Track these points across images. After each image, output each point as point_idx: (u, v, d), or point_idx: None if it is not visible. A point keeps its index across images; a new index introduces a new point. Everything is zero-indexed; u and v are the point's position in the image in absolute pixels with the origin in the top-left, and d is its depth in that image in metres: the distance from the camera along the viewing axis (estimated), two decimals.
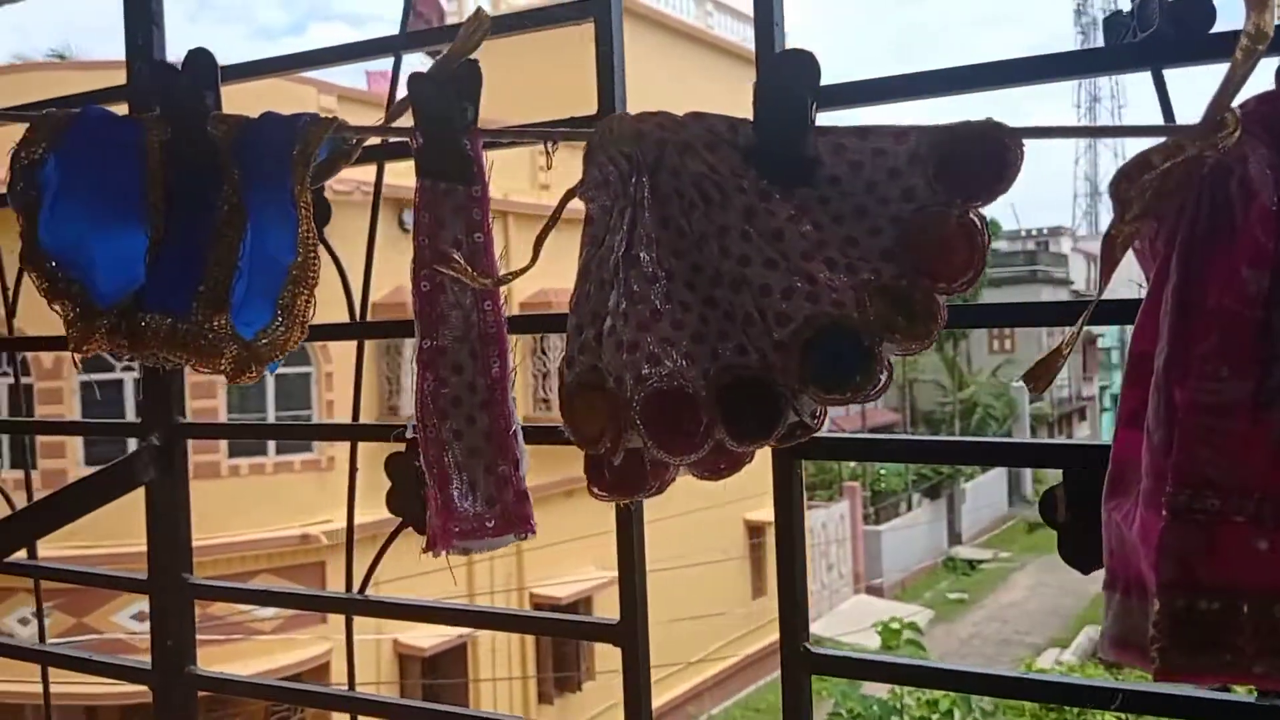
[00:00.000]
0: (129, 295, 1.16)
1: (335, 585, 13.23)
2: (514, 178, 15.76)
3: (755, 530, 21.25)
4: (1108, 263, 0.91)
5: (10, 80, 12.78)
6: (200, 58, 1.13)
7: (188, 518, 1.94)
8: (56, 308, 1.16)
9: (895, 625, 14.74)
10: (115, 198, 1.17)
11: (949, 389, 32.67)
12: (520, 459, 1.11)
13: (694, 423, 0.91)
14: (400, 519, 1.76)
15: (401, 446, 1.77)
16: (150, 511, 1.93)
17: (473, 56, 1.03)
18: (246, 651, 12.60)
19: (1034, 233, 41.83)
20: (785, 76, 0.93)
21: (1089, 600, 25.65)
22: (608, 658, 17.36)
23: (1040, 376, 0.96)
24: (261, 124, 1.12)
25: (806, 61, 0.94)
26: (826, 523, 25.67)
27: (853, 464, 30.31)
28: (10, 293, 2.06)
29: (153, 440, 1.92)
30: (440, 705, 1.60)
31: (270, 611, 13.11)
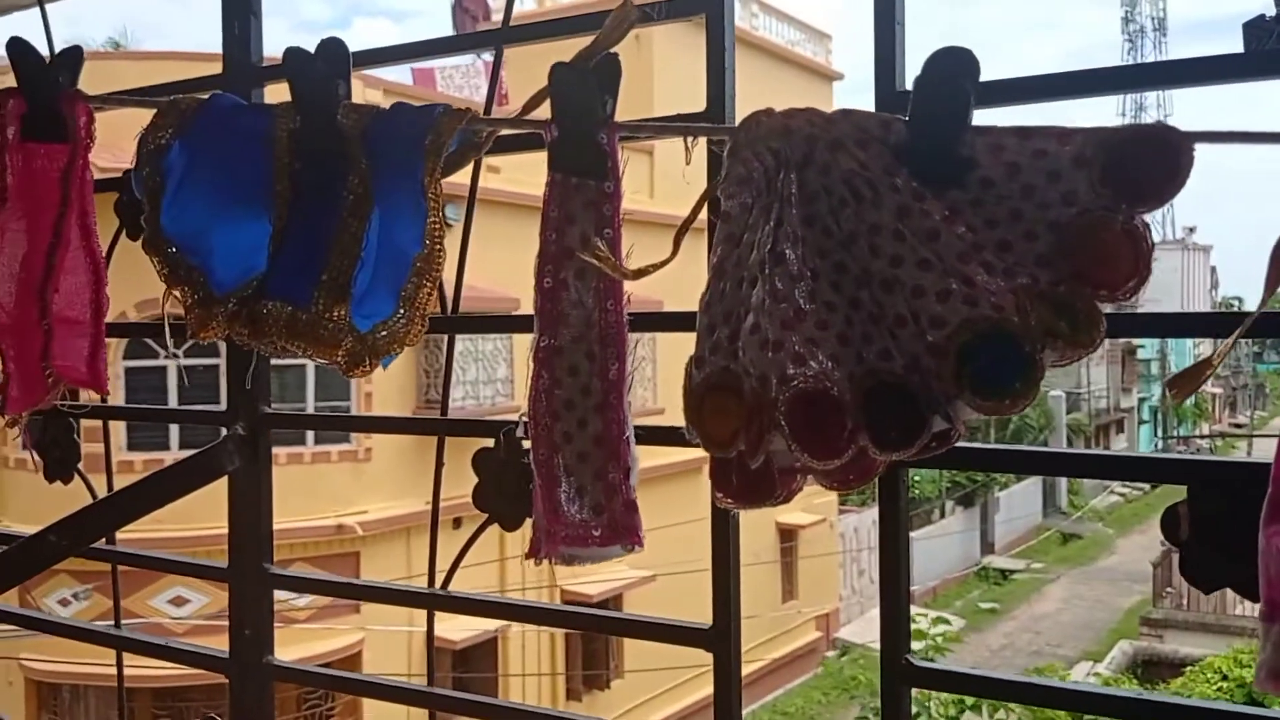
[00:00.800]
0: (248, 283, 1.15)
1: (369, 576, 13.32)
2: None
3: (786, 534, 21.16)
4: (1274, 275, 0.87)
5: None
6: (333, 47, 1.12)
7: (269, 507, 1.94)
8: (176, 293, 1.15)
9: (925, 626, 14.64)
10: (239, 185, 1.17)
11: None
12: (631, 467, 1.09)
13: (839, 427, 0.89)
14: (486, 515, 1.75)
15: (489, 442, 1.77)
16: (233, 500, 1.93)
17: (613, 50, 1.02)
18: (281, 639, 12.71)
19: None
20: (944, 73, 0.90)
21: (1122, 614, 25.33)
22: (637, 657, 17.33)
23: (1185, 386, 0.92)
24: (393, 115, 1.11)
25: (966, 59, 0.91)
26: (859, 528, 25.51)
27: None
28: None
29: (238, 429, 1.92)
30: (530, 707, 1.59)
31: (305, 600, 13.21)
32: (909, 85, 1.35)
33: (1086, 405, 36.41)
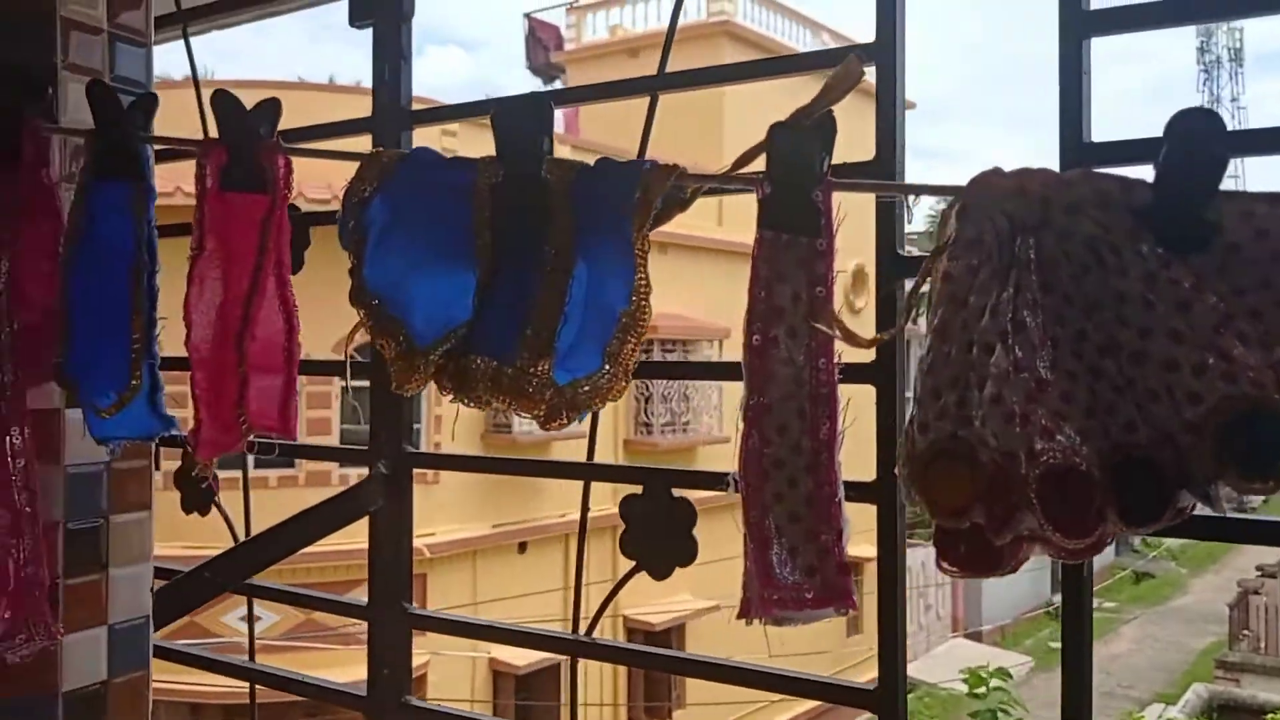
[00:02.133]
0: (447, 336, 1.16)
1: (435, 599, 13.40)
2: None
3: (851, 568, 20.85)
4: None
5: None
6: (539, 100, 1.13)
7: (410, 546, 1.95)
8: (380, 344, 1.16)
9: (984, 673, 14.21)
10: (439, 239, 1.18)
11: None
12: (843, 528, 1.07)
13: (1089, 503, 0.87)
14: (634, 563, 1.75)
15: (638, 489, 1.76)
16: (374, 538, 1.94)
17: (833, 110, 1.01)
18: (345, 659, 12.80)
19: None
20: (1193, 135, 0.88)
21: (1196, 656, 24.61)
22: (699, 690, 17.19)
23: None
24: (600, 170, 1.11)
25: (1215, 121, 0.89)
26: (926, 562, 25.13)
27: None
28: None
29: (380, 468, 1.93)
30: None
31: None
32: (1094, 136, 1.34)
33: None
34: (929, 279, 0.98)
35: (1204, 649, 24.89)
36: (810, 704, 19.14)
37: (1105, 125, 1.37)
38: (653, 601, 16.78)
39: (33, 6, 1.50)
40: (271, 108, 1.27)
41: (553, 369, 1.12)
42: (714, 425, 18.81)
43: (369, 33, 1.96)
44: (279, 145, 1.25)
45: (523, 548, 15.51)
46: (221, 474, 2.00)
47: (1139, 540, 33.65)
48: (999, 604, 26.94)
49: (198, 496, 2.10)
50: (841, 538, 1.07)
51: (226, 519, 2.21)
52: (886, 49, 1.46)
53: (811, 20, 22.84)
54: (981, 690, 14.00)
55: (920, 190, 1.05)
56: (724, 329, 16.61)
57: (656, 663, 1.68)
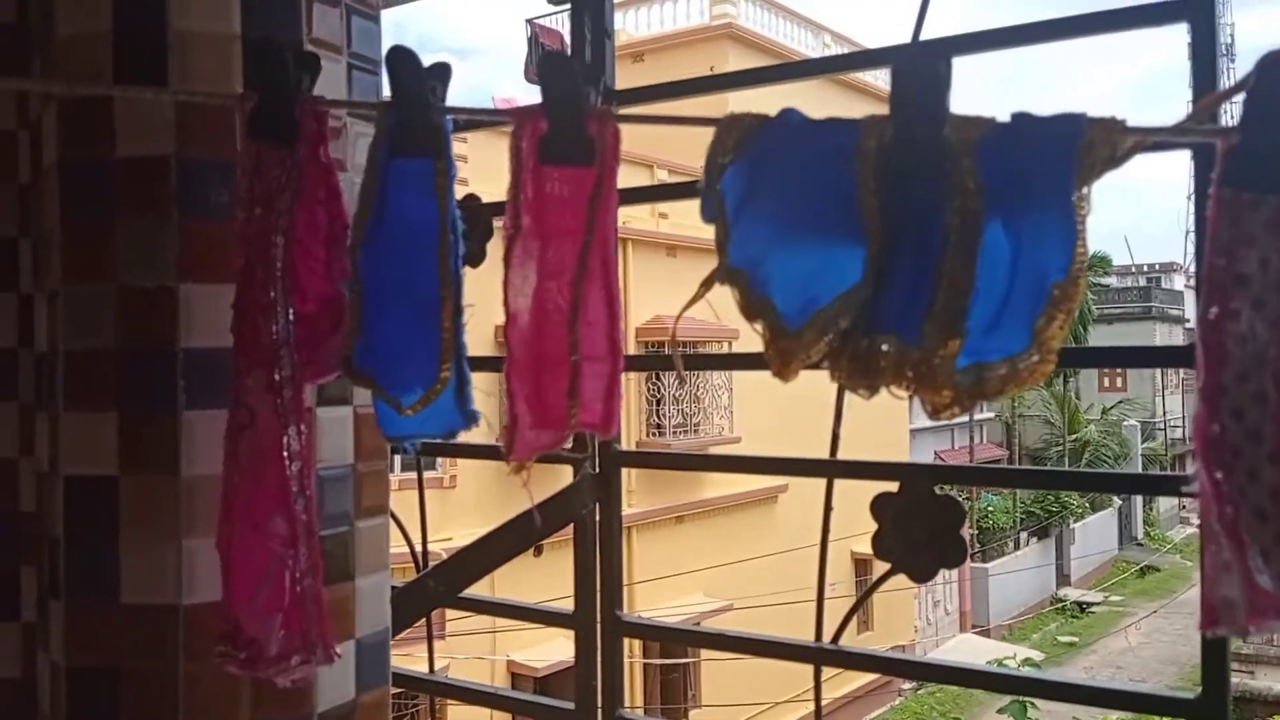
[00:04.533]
0: (819, 315, 1.04)
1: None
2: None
3: (861, 564, 20.86)
4: None
5: None
6: (943, 51, 1.02)
7: (620, 551, 1.84)
8: (756, 326, 1.05)
9: (1008, 661, 14.12)
10: (811, 208, 1.06)
11: (1057, 426, 31.77)
12: None
13: None
14: (889, 564, 1.63)
15: (893, 486, 1.65)
16: (579, 544, 1.83)
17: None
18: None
19: (1145, 268, 40.69)
20: None
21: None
22: (714, 691, 17.09)
23: None
24: (1022, 125, 1.00)
25: None
26: None
27: (960, 499, 29.56)
28: None
29: (588, 469, 1.82)
30: None
31: None
32: None
33: (1163, 435, 35.65)
34: None
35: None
36: (825, 697, 19.03)
37: None
38: (666, 603, 16.68)
39: None
40: (596, 71, 1.15)
41: (961, 349, 1.00)
42: (725, 426, 18.71)
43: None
44: (610, 114, 1.14)
45: (539, 551, 15.35)
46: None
47: (1143, 533, 33.72)
48: (1005, 597, 26.91)
49: None
50: None
51: (400, 526, 2.09)
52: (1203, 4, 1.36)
53: (814, 22, 22.81)
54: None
55: None
56: (733, 330, 16.52)
57: (920, 672, 1.57)
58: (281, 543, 1.25)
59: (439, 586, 1.70)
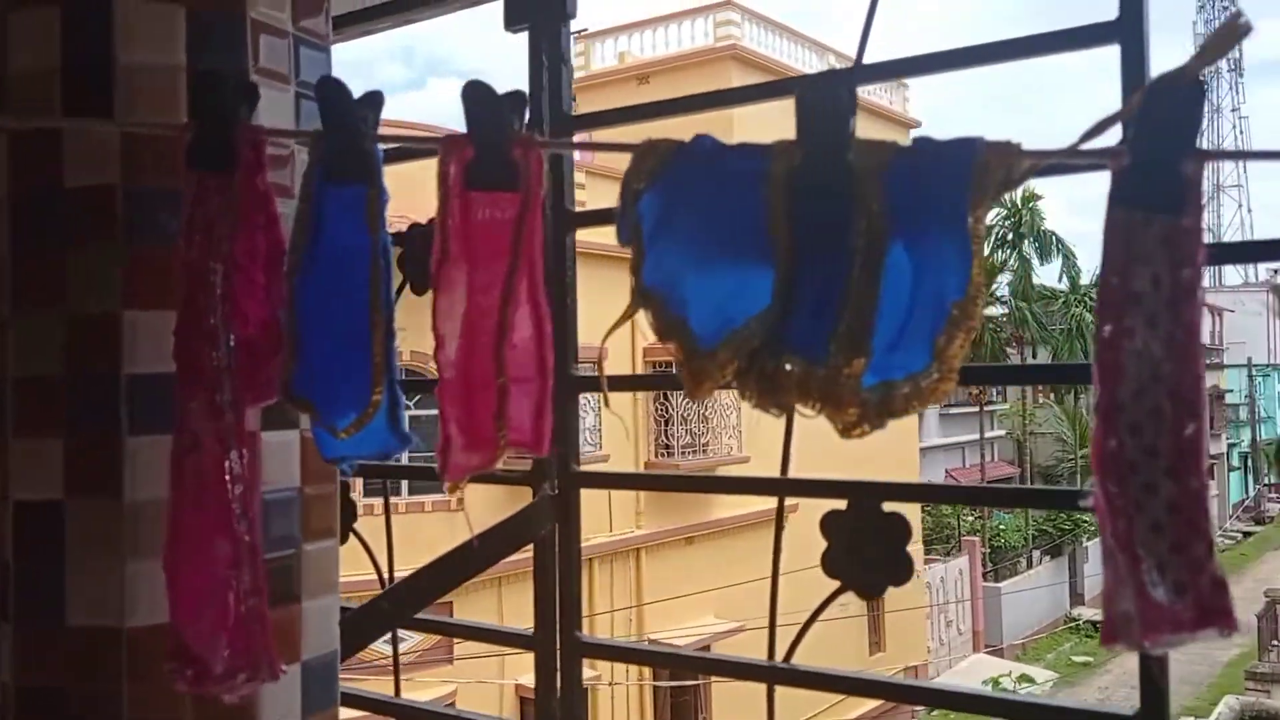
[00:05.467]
0: (733, 336, 1.06)
1: None
2: None
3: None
4: None
5: None
6: (846, 77, 1.04)
7: (579, 571, 1.85)
8: (670, 347, 1.07)
9: (1005, 680, 13.98)
10: (724, 232, 1.08)
11: (1070, 443, 31.64)
12: (1213, 542, 0.97)
13: None
14: (839, 582, 1.65)
15: (842, 504, 1.66)
16: (539, 565, 1.85)
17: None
18: (372, 688, 12.59)
19: None
20: None
21: (1222, 668, 24.40)
22: (725, 713, 17.00)
23: None
24: (922, 150, 1.02)
25: None
26: (945, 578, 24.99)
27: (971, 518, 29.52)
28: None
29: (547, 489, 1.84)
30: None
31: (401, 647, 13.18)
32: None
33: None
34: None
35: (1230, 660, 24.70)
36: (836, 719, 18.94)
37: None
38: (677, 623, 16.62)
39: (225, 6, 1.42)
40: (520, 99, 1.18)
41: (867, 368, 1.02)
42: (734, 446, 18.71)
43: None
44: (534, 139, 1.16)
45: None
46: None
47: None
48: (1018, 617, 26.77)
49: (341, 524, 2.00)
50: (1212, 550, 0.97)
51: (366, 546, 2.12)
52: (1132, 26, 1.38)
53: (818, 43, 22.91)
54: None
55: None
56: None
57: (879, 691, 1.58)
58: (225, 564, 1.27)
59: (392, 609, 1.72)
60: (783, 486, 1.71)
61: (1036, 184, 30.37)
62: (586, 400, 15.80)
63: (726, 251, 1.09)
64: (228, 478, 1.27)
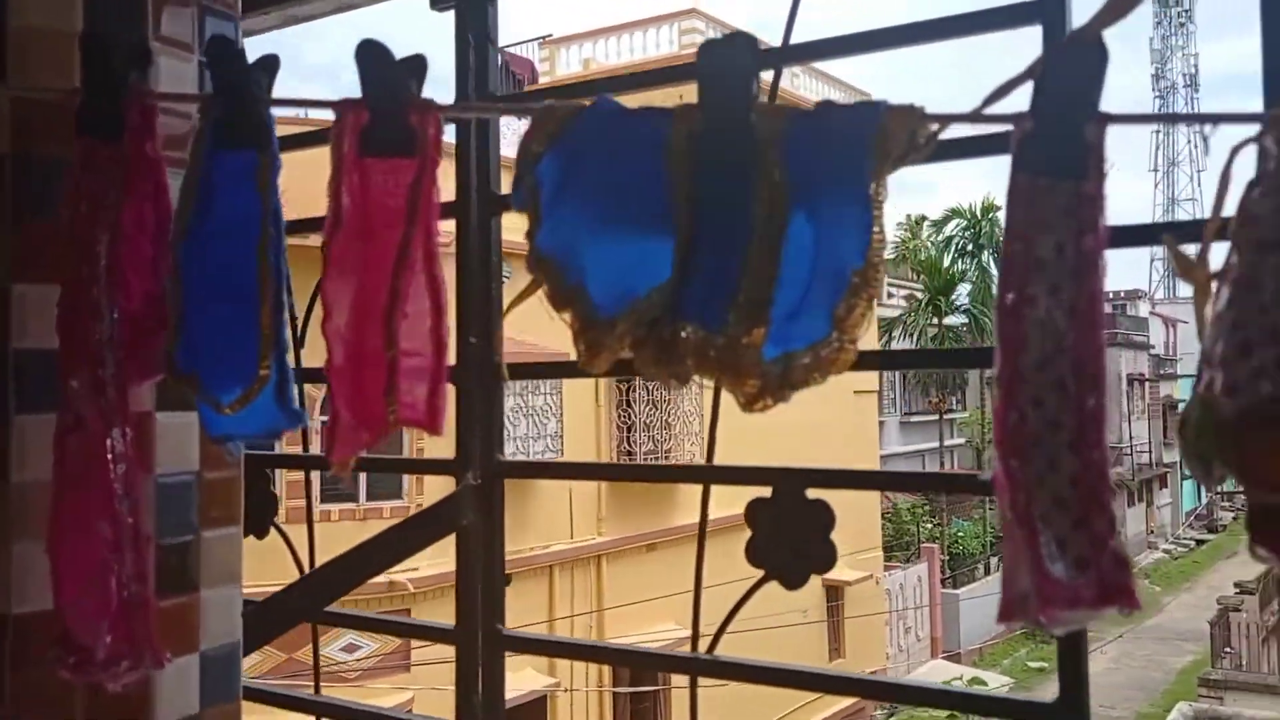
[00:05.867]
0: (635, 307, 1.03)
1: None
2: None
3: (833, 591, 20.86)
4: None
5: None
6: (751, 40, 1.01)
7: (502, 563, 1.80)
8: (565, 317, 1.02)
9: (956, 682, 14.00)
10: (623, 197, 1.04)
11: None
12: (1116, 517, 0.95)
13: None
14: (762, 571, 1.61)
15: (767, 492, 1.63)
16: (462, 556, 1.79)
17: None
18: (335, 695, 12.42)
19: (1111, 295, 41.18)
20: None
21: (1175, 674, 24.69)
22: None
23: None
24: (823, 115, 0.99)
25: None
26: (904, 584, 25.11)
27: (930, 525, 29.69)
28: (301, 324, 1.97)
29: (469, 479, 1.79)
30: None
31: (355, 656, 13.01)
32: None
33: (1129, 460, 35.90)
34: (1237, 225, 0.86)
35: (1183, 667, 24.97)
36: None
37: None
38: (637, 629, 16.55)
39: None
40: (419, 63, 1.13)
41: (767, 338, 0.99)
42: (696, 453, 18.66)
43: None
44: (432, 103, 1.12)
45: (507, 580, 15.20)
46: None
47: None
48: (976, 623, 26.93)
49: (260, 516, 1.94)
50: (1114, 525, 0.94)
51: (287, 540, 2.05)
52: (1055, 7, 1.36)
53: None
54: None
55: (1221, 119, 0.93)
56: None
57: (804, 681, 1.54)
58: (108, 547, 1.21)
59: (299, 602, 1.66)
60: (708, 474, 1.67)
61: (997, 195, 30.63)
62: (549, 406, 15.73)
63: (628, 218, 1.05)
64: (110, 457, 1.21)
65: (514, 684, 14.47)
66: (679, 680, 16.39)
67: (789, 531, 1.58)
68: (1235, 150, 0.89)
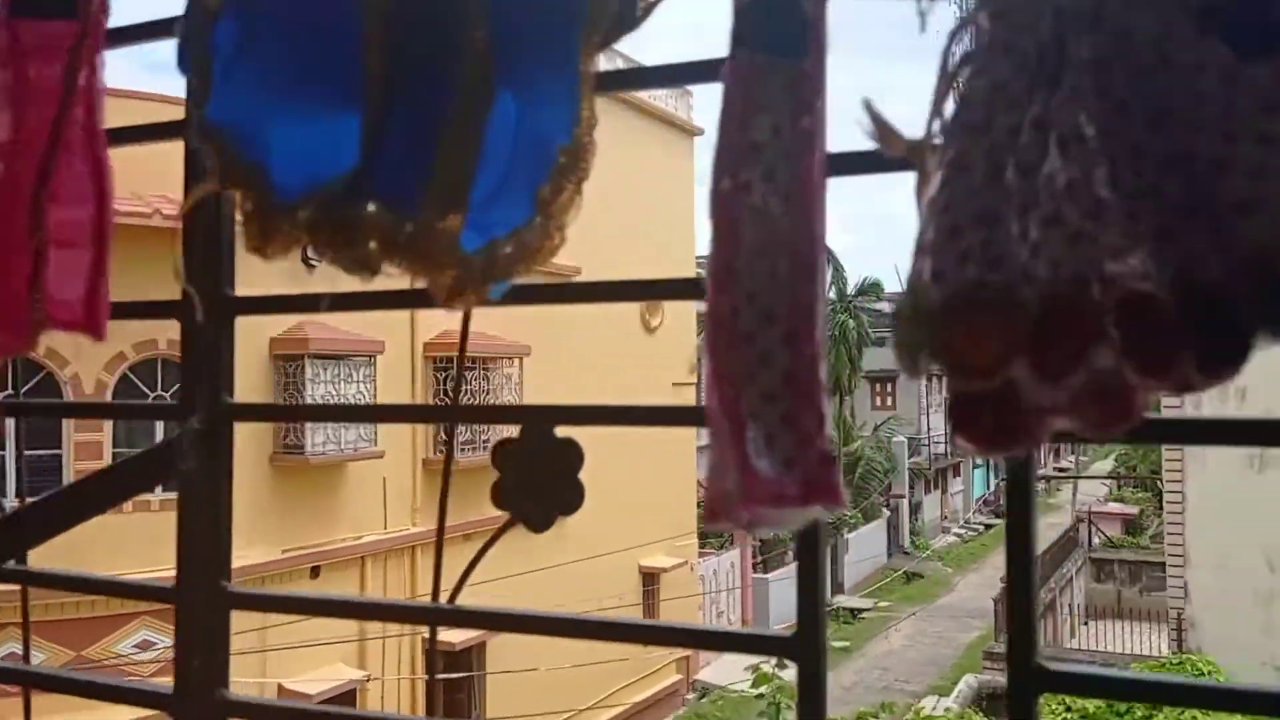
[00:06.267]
0: (321, 187, 0.91)
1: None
2: None
3: (649, 577, 21.10)
4: None
5: None
6: None
7: (229, 516, 1.64)
8: (239, 195, 0.89)
9: (765, 665, 14.44)
10: (311, 63, 0.92)
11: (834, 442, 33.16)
12: (826, 415, 0.89)
13: (1169, 338, 0.72)
14: (508, 514, 1.52)
15: (514, 431, 1.53)
16: (184, 507, 1.62)
17: None
18: None
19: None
20: None
21: (964, 649, 26.11)
22: (501, 707, 16.74)
23: None
24: None
25: None
26: (718, 570, 25.64)
27: None
28: None
29: (193, 423, 1.62)
30: None
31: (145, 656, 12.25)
32: None
33: (927, 450, 37.79)
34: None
35: (970, 642, 26.40)
36: (610, 714, 19.03)
37: None
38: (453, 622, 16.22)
39: None
40: None
41: (466, 224, 0.89)
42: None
43: None
44: None
45: (315, 572, 14.59)
46: None
47: (909, 542, 35.57)
48: (785, 606, 27.78)
49: None
50: (824, 424, 0.88)
51: None
52: None
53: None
54: (765, 689, 14.26)
55: None
56: (525, 346, 16.30)
57: (531, 626, 1.45)
58: None
59: None
60: (454, 414, 1.57)
61: None
62: (362, 395, 15.15)
63: (315, 90, 0.93)
64: None
65: (322, 676, 13.94)
66: (495, 666, 16.16)
67: (534, 470, 1.49)
68: (954, 34, 0.84)
